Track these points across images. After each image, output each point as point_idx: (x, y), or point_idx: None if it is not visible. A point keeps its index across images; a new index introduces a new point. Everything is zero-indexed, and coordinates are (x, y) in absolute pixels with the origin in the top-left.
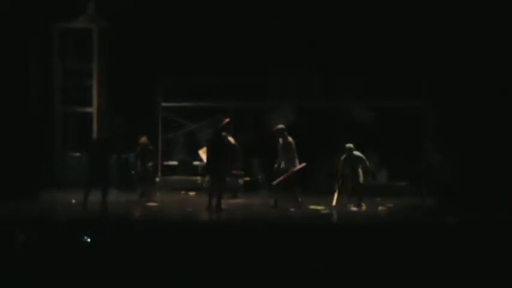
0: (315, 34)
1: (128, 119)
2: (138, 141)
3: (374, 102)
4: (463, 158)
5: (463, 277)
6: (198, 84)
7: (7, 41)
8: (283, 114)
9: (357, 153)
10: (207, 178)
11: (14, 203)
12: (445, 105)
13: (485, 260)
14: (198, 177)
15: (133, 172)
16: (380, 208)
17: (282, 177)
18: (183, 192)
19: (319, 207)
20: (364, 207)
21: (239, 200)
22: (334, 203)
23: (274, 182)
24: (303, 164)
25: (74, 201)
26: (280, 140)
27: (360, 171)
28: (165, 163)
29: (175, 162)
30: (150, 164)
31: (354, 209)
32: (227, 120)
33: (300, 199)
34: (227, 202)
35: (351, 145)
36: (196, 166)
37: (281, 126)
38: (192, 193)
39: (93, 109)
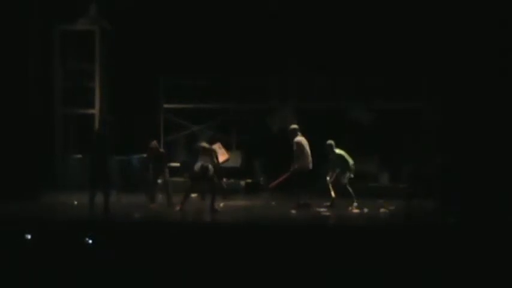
0: (315, 35)
1: (129, 120)
2: (148, 145)
3: (374, 103)
4: (465, 158)
5: (466, 278)
6: (200, 86)
7: (8, 42)
8: (284, 116)
9: (338, 151)
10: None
11: (15, 204)
12: (446, 105)
13: (488, 261)
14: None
15: (138, 175)
16: (382, 210)
17: (278, 179)
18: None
19: (321, 209)
20: (354, 209)
21: (240, 202)
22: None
23: (271, 185)
24: (296, 166)
25: (76, 203)
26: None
27: (340, 169)
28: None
29: (177, 164)
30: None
31: (355, 211)
32: None
33: (302, 201)
34: (227, 204)
35: (331, 142)
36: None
37: (294, 126)
38: (194, 195)
39: (95, 111)
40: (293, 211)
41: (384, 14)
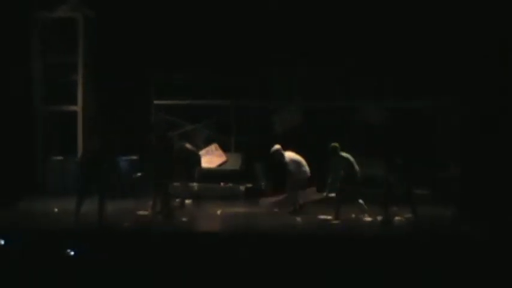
0: (321, 31)
1: (115, 118)
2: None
3: (387, 103)
4: (485, 163)
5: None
6: (194, 80)
7: None
8: (290, 115)
9: (343, 154)
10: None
11: None
12: (469, 104)
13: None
14: (194, 184)
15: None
16: (397, 218)
17: (277, 198)
18: (177, 200)
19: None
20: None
21: (239, 209)
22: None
23: (270, 202)
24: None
25: (56, 210)
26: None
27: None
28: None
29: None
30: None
31: (367, 219)
32: None
33: (297, 207)
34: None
35: (336, 144)
36: None
37: (276, 147)
38: (188, 201)
39: (78, 108)
40: (297, 219)
41: (391, 10)
